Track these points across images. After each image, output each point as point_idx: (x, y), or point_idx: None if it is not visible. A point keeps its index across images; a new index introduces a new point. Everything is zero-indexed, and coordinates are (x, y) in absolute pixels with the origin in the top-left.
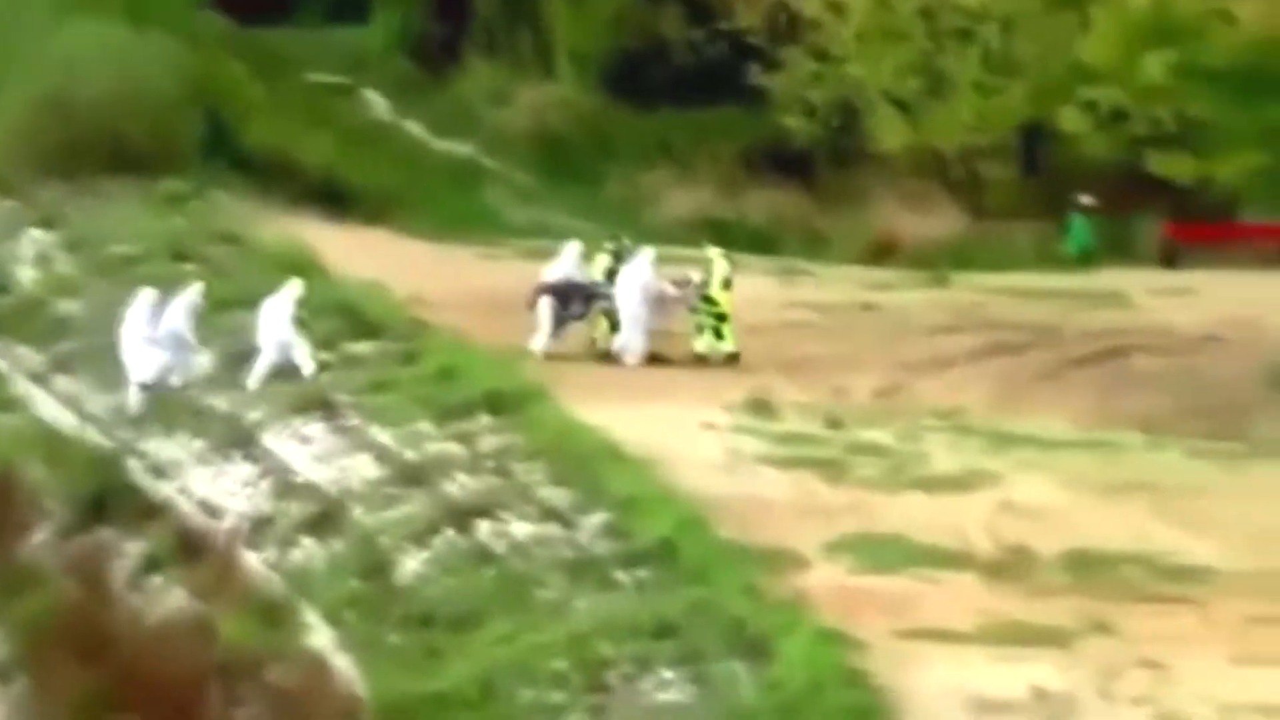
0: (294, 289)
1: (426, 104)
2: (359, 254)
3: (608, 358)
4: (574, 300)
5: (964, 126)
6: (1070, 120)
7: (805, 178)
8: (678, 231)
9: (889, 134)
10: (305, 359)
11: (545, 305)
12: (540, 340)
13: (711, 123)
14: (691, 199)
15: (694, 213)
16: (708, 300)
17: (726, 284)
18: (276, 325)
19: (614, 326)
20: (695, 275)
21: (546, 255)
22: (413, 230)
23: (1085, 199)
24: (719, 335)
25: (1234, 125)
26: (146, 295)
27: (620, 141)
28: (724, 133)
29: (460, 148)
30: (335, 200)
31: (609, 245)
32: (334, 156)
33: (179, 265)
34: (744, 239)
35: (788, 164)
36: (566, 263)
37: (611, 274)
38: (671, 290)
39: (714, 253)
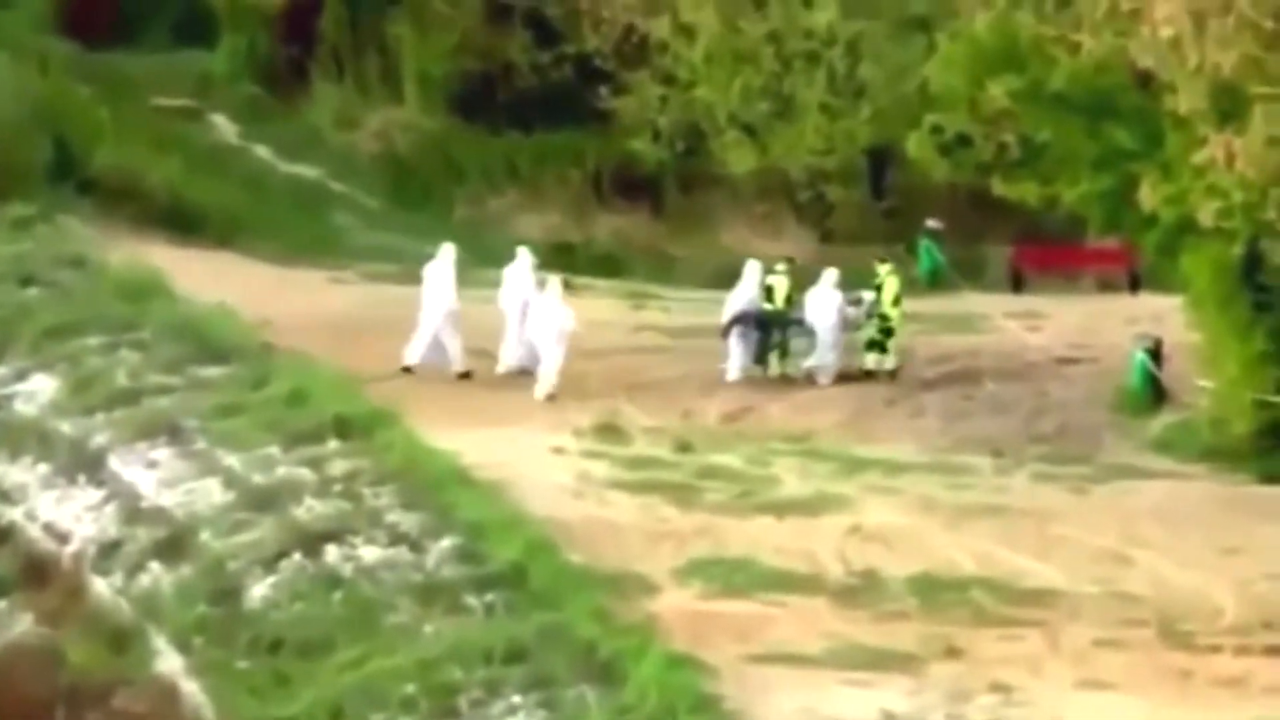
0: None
1: (273, 127)
2: (206, 277)
3: (785, 380)
4: (774, 328)
5: (810, 149)
6: (916, 145)
7: (653, 201)
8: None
9: (736, 157)
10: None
11: (737, 335)
12: (734, 370)
13: (559, 146)
14: (540, 222)
15: (542, 236)
16: (881, 317)
17: (897, 300)
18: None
19: (766, 349)
20: (867, 294)
21: (392, 279)
22: (260, 254)
23: (933, 222)
24: (883, 350)
25: (1077, 149)
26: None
27: (467, 165)
28: (572, 156)
29: (307, 171)
30: (182, 224)
31: (781, 268)
32: (181, 180)
33: (25, 290)
34: (591, 262)
35: (636, 188)
36: (749, 286)
37: (789, 298)
38: (852, 311)
39: (884, 269)
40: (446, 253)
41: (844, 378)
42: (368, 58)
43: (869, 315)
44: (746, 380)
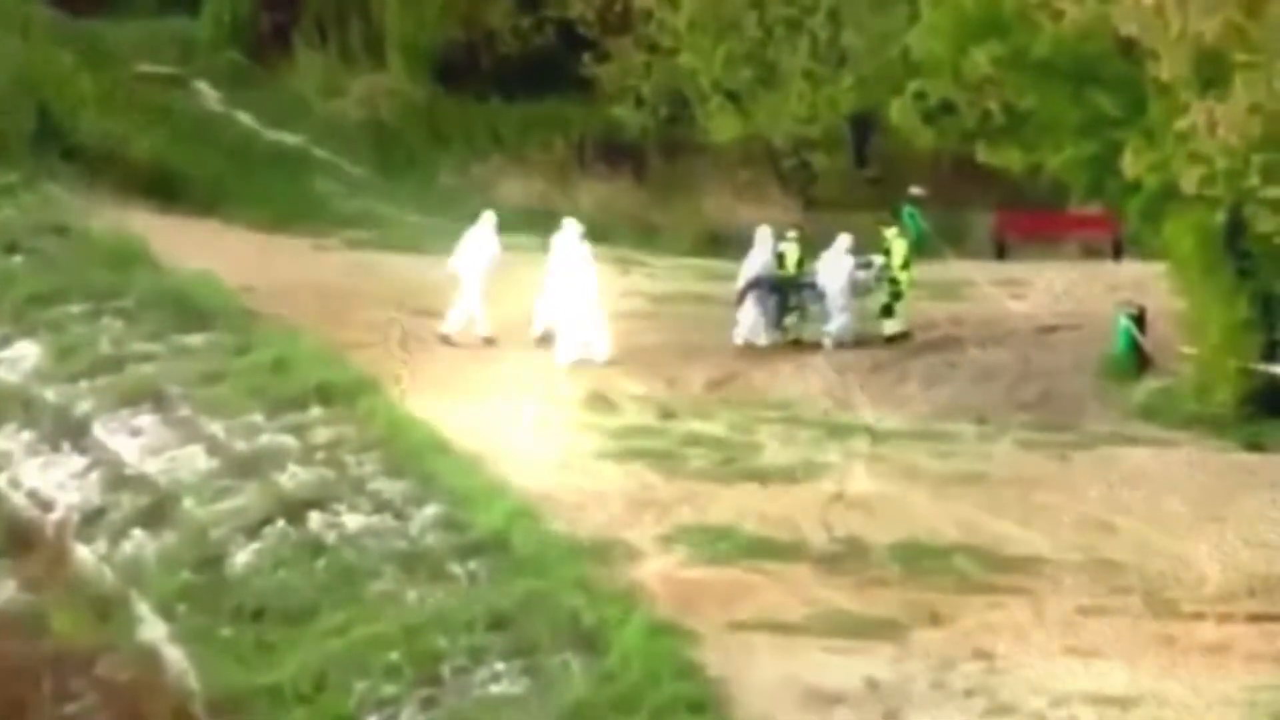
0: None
1: (257, 94)
2: (190, 245)
3: (799, 344)
4: (790, 293)
5: (793, 117)
6: (899, 112)
7: (636, 168)
8: (510, 222)
9: (720, 125)
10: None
11: (752, 300)
12: (742, 333)
13: (543, 113)
14: (524, 189)
15: (526, 203)
16: (891, 281)
17: (905, 264)
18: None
19: (783, 313)
20: (877, 258)
21: (375, 246)
22: (243, 221)
23: (916, 189)
24: (890, 313)
25: (1060, 116)
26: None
27: (451, 132)
28: (555, 123)
29: (291, 138)
30: (166, 191)
31: (791, 235)
32: (164, 147)
33: (9, 257)
34: None
35: (619, 155)
36: (763, 252)
37: (800, 263)
38: (861, 275)
39: (891, 233)
40: (487, 220)
41: (860, 343)
42: (351, 24)
43: (879, 279)
44: (732, 347)
